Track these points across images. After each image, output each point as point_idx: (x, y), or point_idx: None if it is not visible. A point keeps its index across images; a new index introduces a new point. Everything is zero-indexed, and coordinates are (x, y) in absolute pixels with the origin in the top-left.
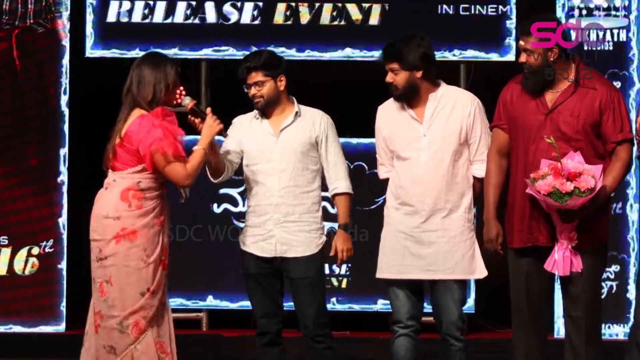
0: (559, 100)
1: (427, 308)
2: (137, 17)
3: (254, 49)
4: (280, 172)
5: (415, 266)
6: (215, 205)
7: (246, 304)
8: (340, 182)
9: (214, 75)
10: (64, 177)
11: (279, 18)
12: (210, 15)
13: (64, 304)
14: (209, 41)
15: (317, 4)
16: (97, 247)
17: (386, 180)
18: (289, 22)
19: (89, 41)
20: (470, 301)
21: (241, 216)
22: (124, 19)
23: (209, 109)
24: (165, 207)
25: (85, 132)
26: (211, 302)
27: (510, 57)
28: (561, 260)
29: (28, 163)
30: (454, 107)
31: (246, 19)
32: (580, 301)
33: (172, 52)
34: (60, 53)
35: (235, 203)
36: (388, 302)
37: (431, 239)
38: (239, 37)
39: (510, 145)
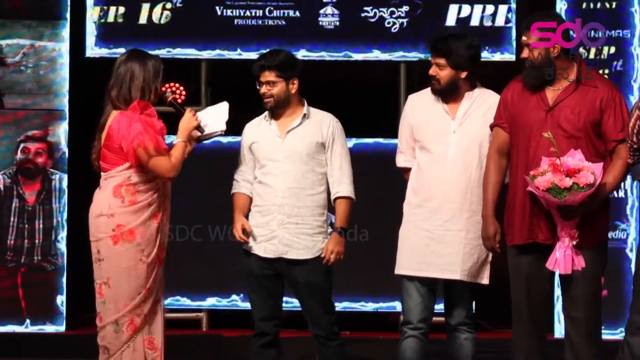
0: (560, 97)
1: (435, 309)
2: (137, 17)
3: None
4: (285, 173)
5: (434, 264)
6: None
7: (246, 304)
8: (343, 186)
9: (214, 75)
10: (64, 176)
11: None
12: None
13: (64, 304)
14: (210, 41)
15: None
16: (95, 248)
17: (403, 169)
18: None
19: (89, 41)
20: None
21: None
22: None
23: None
24: (164, 206)
25: (85, 132)
26: (211, 302)
27: (510, 56)
28: (562, 258)
29: None
30: (488, 109)
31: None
32: (580, 301)
33: (175, 51)
34: (60, 53)
35: None
36: (387, 302)
37: (453, 239)
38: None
39: (510, 144)
